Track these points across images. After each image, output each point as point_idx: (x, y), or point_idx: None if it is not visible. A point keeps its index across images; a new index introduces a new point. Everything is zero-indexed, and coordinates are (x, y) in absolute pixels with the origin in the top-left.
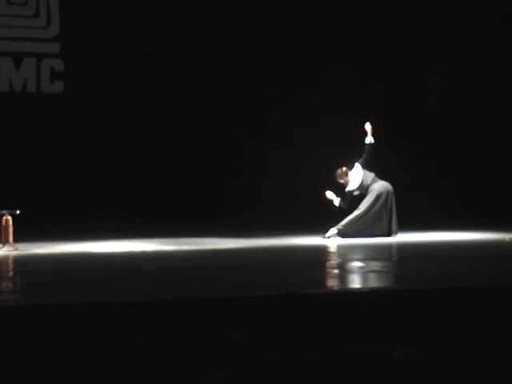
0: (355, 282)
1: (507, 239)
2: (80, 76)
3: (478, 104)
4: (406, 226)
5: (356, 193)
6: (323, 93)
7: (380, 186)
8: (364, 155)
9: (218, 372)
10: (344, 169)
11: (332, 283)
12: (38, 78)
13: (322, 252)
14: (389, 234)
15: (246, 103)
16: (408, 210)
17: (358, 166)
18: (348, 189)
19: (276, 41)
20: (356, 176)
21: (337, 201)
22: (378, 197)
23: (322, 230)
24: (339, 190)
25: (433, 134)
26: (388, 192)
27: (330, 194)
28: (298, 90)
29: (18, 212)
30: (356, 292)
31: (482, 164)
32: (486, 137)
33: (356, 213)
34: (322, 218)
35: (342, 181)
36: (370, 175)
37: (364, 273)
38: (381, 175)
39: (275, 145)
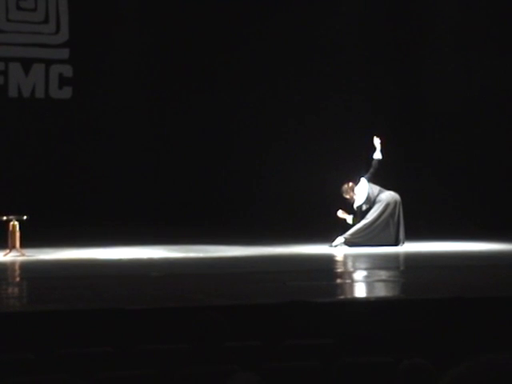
0: (362, 292)
1: None
2: (88, 82)
3: (485, 113)
4: (414, 236)
5: (364, 207)
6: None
7: (388, 195)
8: (371, 170)
9: (240, 372)
10: (350, 184)
11: (339, 292)
12: (46, 83)
13: (328, 261)
14: (396, 244)
15: (249, 109)
16: (416, 219)
17: (363, 181)
18: (356, 205)
19: (281, 49)
20: (362, 191)
21: (349, 218)
22: (386, 206)
23: (329, 238)
24: (344, 202)
25: (440, 141)
26: (396, 202)
27: (341, 214)
28: (304, 98)
29: (25, 217)
30: (363, 301)
31: (492, 174)
32: (494, 145)
33: (364, 222)
34: (329, 226)
35: (348, 196)
36: (376, 188)
37: (371, 282)
38: (388, 185)
39: (283, 151)
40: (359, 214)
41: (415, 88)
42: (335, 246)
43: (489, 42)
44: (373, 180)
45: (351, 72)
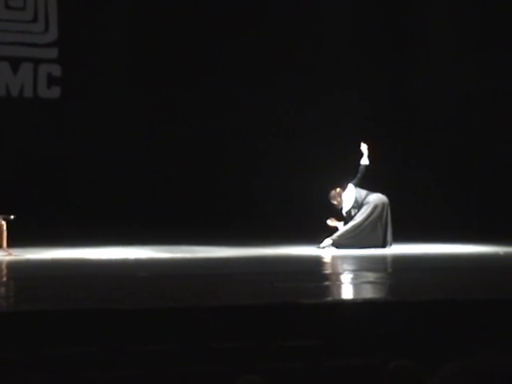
0: (349, 294)
1: (501, 252)
2: (77, 82)
3: (477, 113)
4: (402, 238)
5: (353, 212)
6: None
7: (375, 198)
8: (358, 175)
9: (247, 373)
10: (338, 190)
11: (326, 294)
12: (35, 83)
13: (316, 262)
14: (383, 246)
15: (243, 109)
16: (404, 221)
17: (351, 186)
18: (344, 210)
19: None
20: (349, 196)
21: (340, 225)
22: (373, 208)
23: (317, 240)
24: (332, 207)
25: (431, 143)
26: (383, 204)
27: (331, 222)
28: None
29: (12, 217)
30: (350, 303)
31: (483, 176)
32: (485, 147)
33: (351, 223)
34: (318, 228)
35: (335, 202)
36: (363, 191)
37: (358, 284)
38: (380, 187)
39: (276, 153)
40: (349, 220)
41: (408, 88)
42: (323, 247)
43: (481, 42)
44: (360, 185)
45: (344, 74)
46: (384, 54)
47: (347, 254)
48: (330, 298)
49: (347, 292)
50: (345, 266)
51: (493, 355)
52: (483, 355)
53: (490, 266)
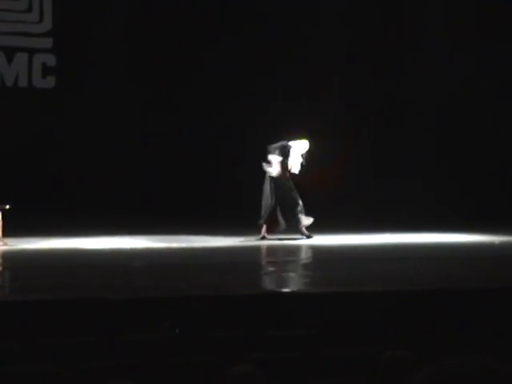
0: (343, 283)
1: (497, 242)
2: (72, 71)
3: (478, 102)
4: (396, 227)
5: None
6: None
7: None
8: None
9: (240, 364)
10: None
11: (322, 283)
12: (29, 72)
13: (317, 250)
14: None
15: (235, 100)
16: (399, 210)
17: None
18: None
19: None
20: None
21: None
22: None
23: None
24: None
25: (423, 134)
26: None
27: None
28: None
29: (7, 207)
30: (346, 293)
31: (477, 166)
32: (479, 137)
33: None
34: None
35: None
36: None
37: (354, 274)
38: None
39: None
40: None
41: (399, 84)
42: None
43: (474, 36)
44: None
45: (333, 72)
46: (372, 49)
47: (336, 242)
48: (325, 288)
49: (342, 281)
50: (336, 255)
51: (469, 357)
52: (459, 357)
53: (485, 256)
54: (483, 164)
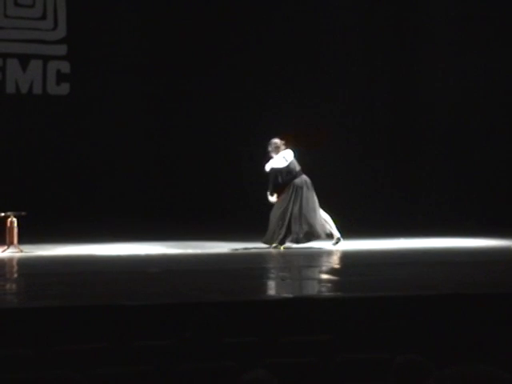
0: (359, 289)
1: None
2: (86, 78)
3: (482, 107)
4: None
5: (279, 177)
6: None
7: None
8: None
9: (255, 369)
10: (283, 142)
11: (337, 289)
12: (44, 79)
13: (330, 256)
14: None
15: (242, 106)
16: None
17: (291, 151)
18: (271, 166)
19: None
20: (287, 156)
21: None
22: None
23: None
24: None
25: (434, 139)
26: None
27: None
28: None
29: (23, 214)
30: (358, 298)
31: (490, 170)
32: (488, 141)
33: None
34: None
35: (271, 149)
36: (297, 166)
37: (369, 280)
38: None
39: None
40: (271, 179)
41: (411, 85)
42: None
43: (486, 40)
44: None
45: (346, 69)
46: (386, 47)
47: (351, 247)
48: (340, 293)
49: (356, 287)
50: (352, 260)
51: (480, 365)
52: (483, 365)
53: (500, 260)
54: (499, 168)
